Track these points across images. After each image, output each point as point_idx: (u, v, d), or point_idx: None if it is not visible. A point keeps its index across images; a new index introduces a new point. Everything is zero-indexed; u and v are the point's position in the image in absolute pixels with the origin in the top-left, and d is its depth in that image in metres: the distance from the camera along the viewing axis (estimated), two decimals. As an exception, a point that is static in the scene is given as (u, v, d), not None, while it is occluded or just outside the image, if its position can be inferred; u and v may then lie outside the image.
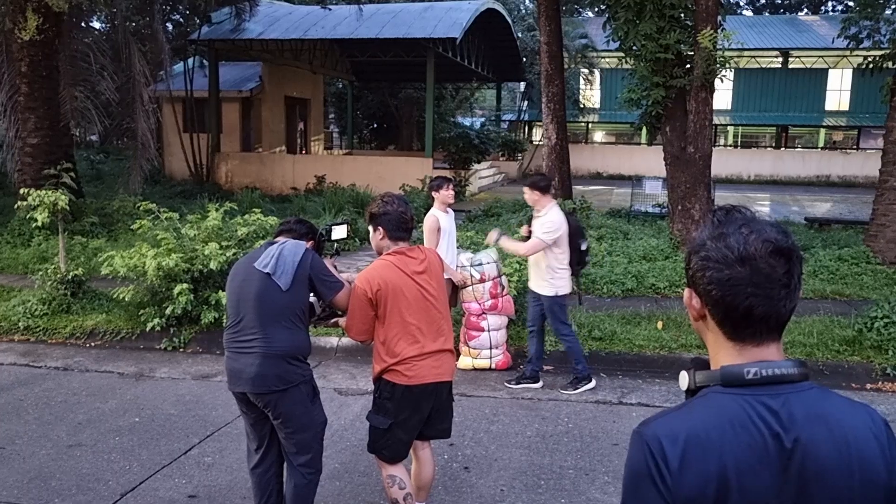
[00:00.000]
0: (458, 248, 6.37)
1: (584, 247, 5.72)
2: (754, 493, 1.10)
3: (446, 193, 5.84)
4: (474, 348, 6.18)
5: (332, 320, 3.53)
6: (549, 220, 5.41)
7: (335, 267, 3.51)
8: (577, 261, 5.71)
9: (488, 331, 6.15)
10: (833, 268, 9.04)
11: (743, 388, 1.15)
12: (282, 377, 3.18)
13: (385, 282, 3.17)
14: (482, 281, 6.11)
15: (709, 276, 1.18)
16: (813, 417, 1.14)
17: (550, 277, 5.51)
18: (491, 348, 6.18)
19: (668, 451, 1.11)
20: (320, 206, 13.89)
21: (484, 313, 6.15)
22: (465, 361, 6.20)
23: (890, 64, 10.94)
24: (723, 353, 1.21)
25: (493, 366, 6.21)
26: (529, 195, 5.57)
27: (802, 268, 1.21)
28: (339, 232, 3.69)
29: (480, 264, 6.13)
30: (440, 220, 5.73)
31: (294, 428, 3.28)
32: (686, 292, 1.25)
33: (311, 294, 3.32)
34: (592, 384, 5.74)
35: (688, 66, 9.65)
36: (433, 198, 5.90)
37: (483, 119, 30.32)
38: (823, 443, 1.12)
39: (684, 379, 1.24)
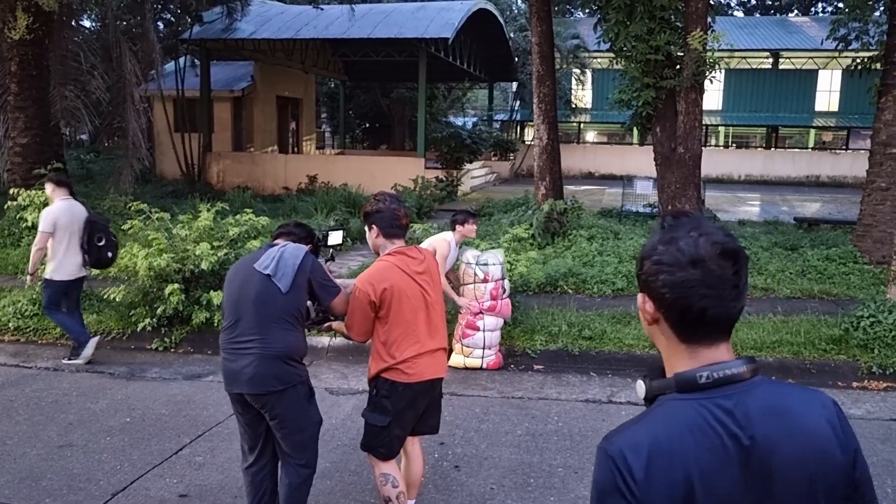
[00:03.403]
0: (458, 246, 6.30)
1: (101, 242, 6.36)
2: (720, 496, 1.13)
3: (470, 228, 5.90)
4: (467, 346, 6.19)
5: (326, 325, 3.56)
6: (45, 211, 6.24)
7: (330, 271, 3.55)
8: (95, 257, 6.37)
9: (483, 331, 6.16)
10: (821, 267, 9.11)
11: (697, 392, 1.18)
12: (280, 377, 3.20)
13: (391, 283, 3.19)
14: (485, 281, 6.09)
15: (662, 279, 1.20)
16: (767, 412, 1.17)
17: (49, 262, 6.21)
18: (484, 348, 6.20)
19: (632, 463, 1.13)
20: (312, 205, 13.88)
21: (481, 313, 6.15)
22: (456, 359, 6.21)
23: (878, 65, 11.03)
24: (676, 357, 1.24)
25: (485, 366, 6.23)
26: (48, 188, 6.40)
27: (748, 268, 1.24)
28: (336, 237, 3.72)
29: (486, 264, 6.10)
30: (452, 246, 5.83)
31: (291, 428, 3.30)
32: (639, 297, 1.27)
33: (308, 298, 3.34)
34: (87, 352, 6.32)
35: (678, 67, 9.72)
36: (455, 229, 5.90)
37: (475, 119, 30.36)
38: (780, 436, 1.16)
39: (641, 388, 1.26)
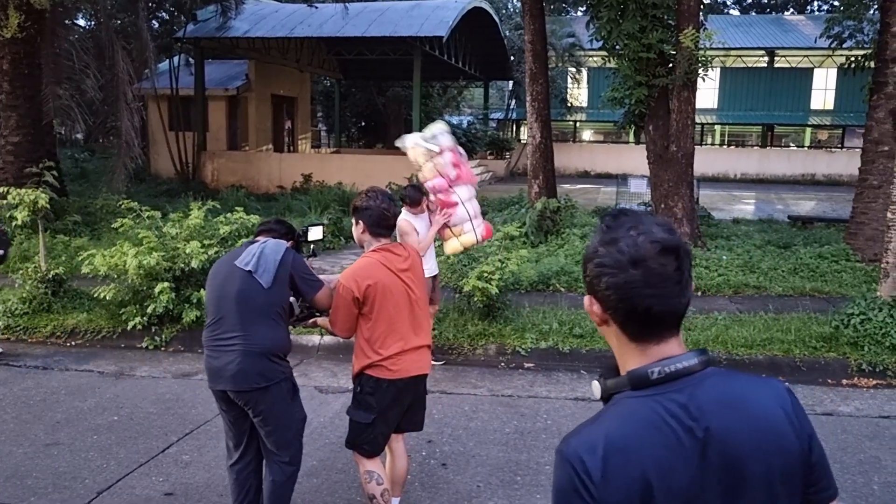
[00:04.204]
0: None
1: None
2: (679, 491, 1.12)
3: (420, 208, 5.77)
4: (455, 225, 5.65)
5: (311, 320, 3.55)
6: None
7: (313, 268, 3.53)
8: None
9: (462, 202, 5.59)
10: (813, 265, 9.13)
11: (651, 388, 1.18)
12: (263, 374, 3.20)
13: (375, 280, 3.19)
14: (441, 153, 5.41)
15: (605, 281, 1.20)
16: (720, 403, 1.17)
17: None
18: (471, 219, 5.64)
19: (588, 463, 1.12)
20: (306, 204, 13.88)
21: (451, 186, 5.54)
22: (451, 245, 5.73)
23: (871, 63, 11.04)
24: (628, 355, 1.24)
25: (479, 237, 5.70)
26: None
27: (691, 262, 1.23)
28: (316, 233, 3.71)
29: (434, 137, 5.69)
30: (412, 222, 5.70)
31: (274, 425, 3.29)
32: (586, 300, 1.27)
33: (291, 294, 3.34)
34: None
35: (670, 65, 9.72)
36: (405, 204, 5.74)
37: (471, 118, 30.38)
38: (734, 426, 1.15)
39: (596, 388, 1.26)
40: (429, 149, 5.70)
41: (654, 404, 1.16)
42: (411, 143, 5.73)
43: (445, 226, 5.89)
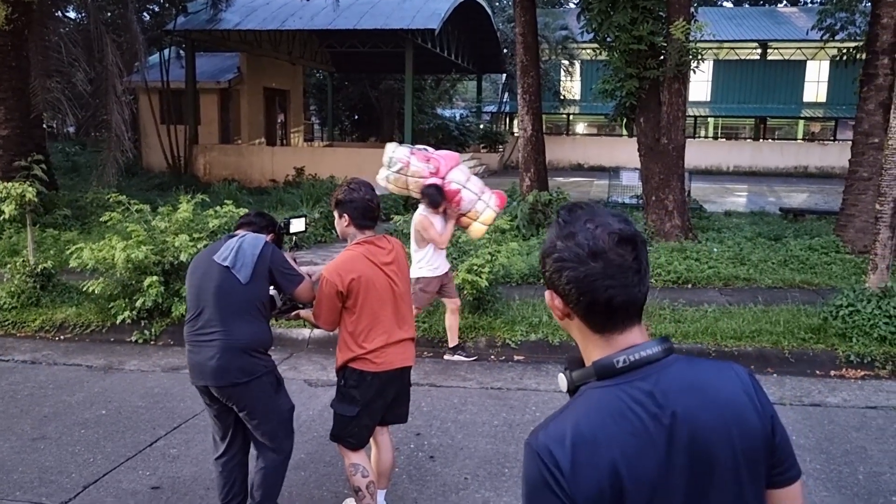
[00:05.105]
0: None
1: None
2: (647, 478, 1.12)
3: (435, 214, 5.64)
4: (469, 210, 5.74)
5: (294, 313, 3.54)
6: None
7: (294, 260, 3.52)
8: None
9: (463, 186, 5.70)
10: (803, 257, 9.15)
11: (616, 377, 1.18)
12: (244, 369, 3.19)
13: (358, 274, 3.18)
14: (408, 164, 5.61)
15: (566, 275, 1.20)
16: (685, 389, 1.18)
17: None
18: (479, 197, 5.76)
19: (557, 455, 1.12)
20: (298, 198, 13.84)
21: (444, 178, 5.66)
22: (476, 229, 5.82)
23: (863, 55, 11.04)
24: (592, 347, 1.24)
25: (496, 209, 5.82)
26: None
27: (647, 251, 1.24)
28: (298, 225, 3.69)
29: (391, 159, 5.63)
30: (429, 217, 5.63)
31: (260, 419, 3.29)
32: (547, 294, 1.27)
33: (272, 287, 3.32)
34: None
35: (661, 57, 9.71)
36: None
37: (464, 111, 30.30)
38: (699, 411, 1.16)
39: (562, 381, 1.27)
40: (398, 171, 5.67)
41: (619, 393, 1.16)
42: (386, 183, 5.70)
43: (461, 215, 5.88)
